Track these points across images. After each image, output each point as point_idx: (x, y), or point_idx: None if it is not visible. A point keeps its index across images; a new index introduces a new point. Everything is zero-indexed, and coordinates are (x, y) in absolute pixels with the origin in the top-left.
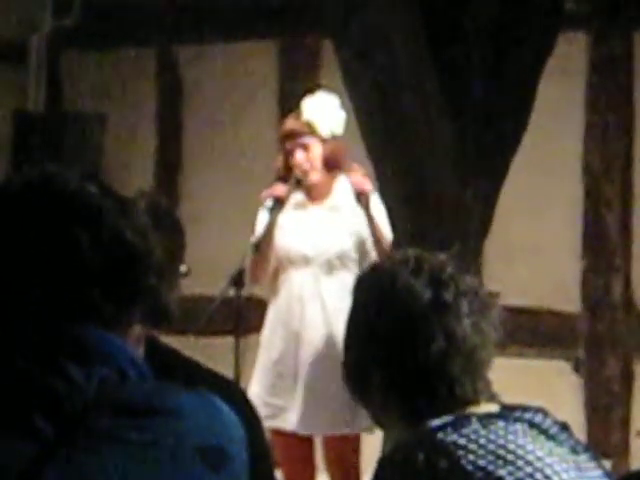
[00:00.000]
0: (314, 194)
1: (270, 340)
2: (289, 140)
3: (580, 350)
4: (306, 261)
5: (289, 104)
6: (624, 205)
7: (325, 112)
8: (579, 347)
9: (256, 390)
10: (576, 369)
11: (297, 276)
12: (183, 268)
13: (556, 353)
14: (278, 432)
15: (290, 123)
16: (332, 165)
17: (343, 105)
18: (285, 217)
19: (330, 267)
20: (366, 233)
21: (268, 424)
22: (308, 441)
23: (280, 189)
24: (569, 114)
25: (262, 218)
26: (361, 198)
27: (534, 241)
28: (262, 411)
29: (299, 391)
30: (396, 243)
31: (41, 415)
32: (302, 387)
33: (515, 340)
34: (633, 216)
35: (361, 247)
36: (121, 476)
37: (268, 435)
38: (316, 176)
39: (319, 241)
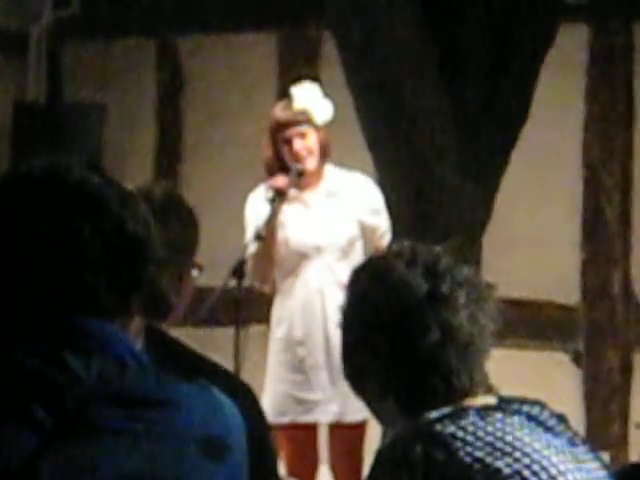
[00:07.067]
0: (305, 182)
1: (289, 339)
2: (285, 129)
3: (579, 342)
4: (319, 252)
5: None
6: (624, 197)
7: (316, 100)
8: (578, 339)
9: (284, 389)
10: (575, 361)
11: (311, 269)
12: (195, 272)
13: (555, 345)
14: (283, 425)
15: (284, 113)
16: (326, 152)
17: (343, 96)
18: (283, 213)
19: (343, 253)
20: (368, 218)
21: (304, 419)
22: (313, 432)
23: (282, 180)
24: (569, 105)
25: (258, 210)
26: None
27: (534, 233)
28: (295, 409)
29: (337, 381)
30: (395, 234)
31: (41, 406)
32: (340, 376)
33: (514, 332)
34: (633, 208)
35: (365, 231)
36: (120, 467)
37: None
38: (313, 164)
39: (328, 230)
